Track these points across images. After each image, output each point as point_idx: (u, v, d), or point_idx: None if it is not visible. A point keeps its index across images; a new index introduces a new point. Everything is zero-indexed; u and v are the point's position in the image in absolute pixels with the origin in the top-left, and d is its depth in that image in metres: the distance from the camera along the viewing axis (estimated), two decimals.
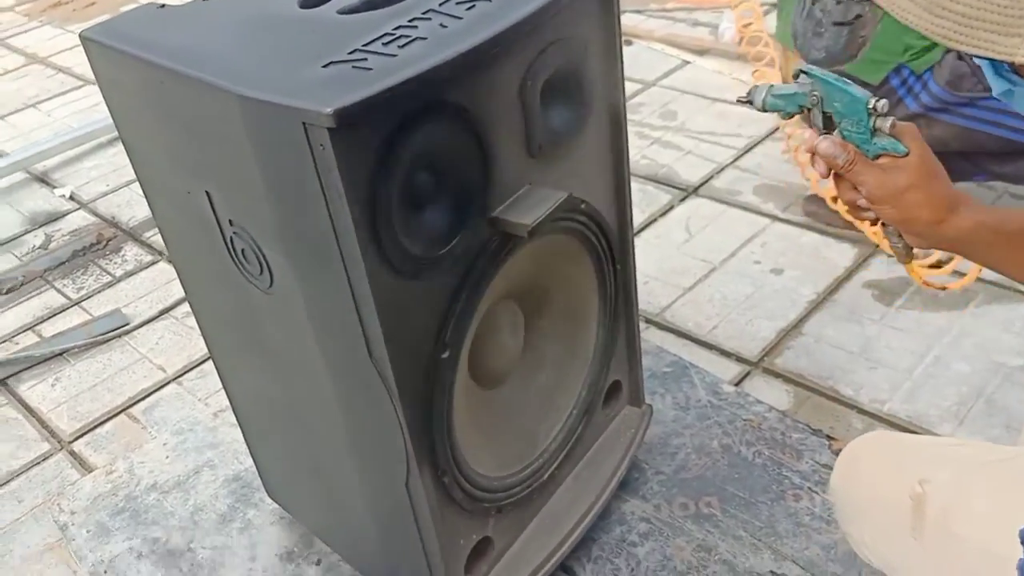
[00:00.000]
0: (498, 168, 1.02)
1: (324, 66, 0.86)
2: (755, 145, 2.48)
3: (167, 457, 1.71)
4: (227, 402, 1.39)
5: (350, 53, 0.88)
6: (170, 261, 1.26)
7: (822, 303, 1.88)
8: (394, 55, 0.87)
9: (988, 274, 1.88)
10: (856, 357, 1.73)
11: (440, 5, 0.97)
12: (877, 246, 1.99)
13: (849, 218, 0.91)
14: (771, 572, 1.33)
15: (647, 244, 2.15)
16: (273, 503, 1.52)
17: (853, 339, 1.77)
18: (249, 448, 1.44)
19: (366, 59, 0.87)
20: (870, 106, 0.89)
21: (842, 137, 0.92)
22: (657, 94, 2.84)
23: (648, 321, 1.91)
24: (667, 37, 3.16)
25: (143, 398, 1.90)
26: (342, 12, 1.00)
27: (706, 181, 2.36)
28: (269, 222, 0.94)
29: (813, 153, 0.94)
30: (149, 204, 1.18)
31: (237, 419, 1.41)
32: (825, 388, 1.68)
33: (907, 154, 0.89)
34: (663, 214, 2.26)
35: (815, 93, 0.93)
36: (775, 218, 2.18)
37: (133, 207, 2.61)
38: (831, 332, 1.80)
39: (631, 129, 2.67)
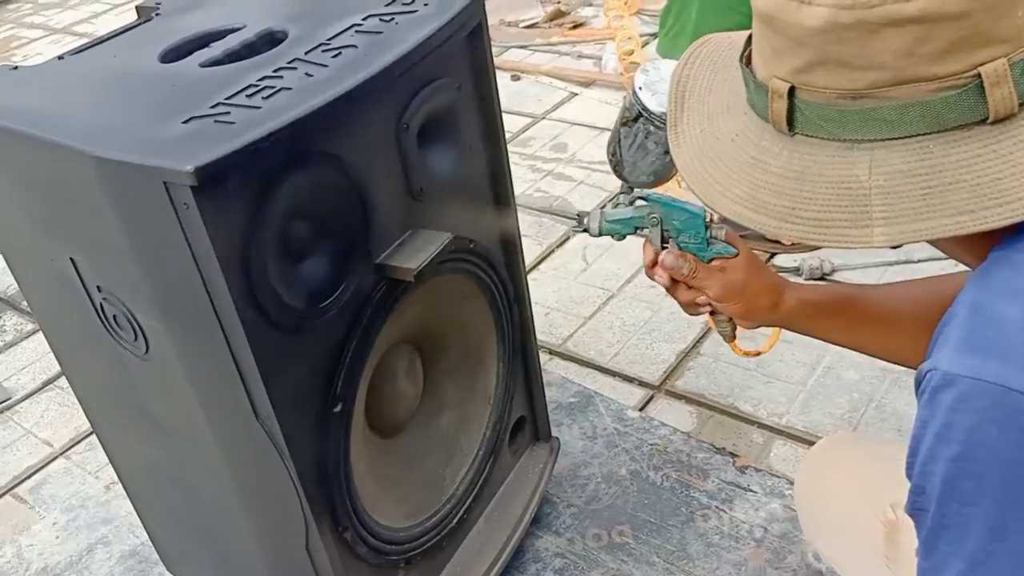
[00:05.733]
0: (379, 214, 1.01)
1: (185, 122, 0.84)
2: None
3: (57, 537, 1.61)
4: None
5: (212, 107, 0.86)
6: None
7: None
8: (258, 107, 0.85)
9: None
10: (753, 373, 1.77)
11: (306, 54, 0.96)
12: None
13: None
14: None
15: (545, 276, 2.16)
16: None
17: None
18: (142, 521, 1.37)
19: (229, 112, 0.84)
20: (707, 219, 0.99)
21: (679, 248, 1.01)
22: (547, 127, 2.88)
23: (551, 352, 1.91)
24: (554, 71, 3.21)
25: (29, 476, 1.79)
26: (204, 65, 0.97)
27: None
28: (139, 286, 0.90)
29: (652, 265, 1.03)
30: (14, 274, 1.12)
31: (127, 491, 1.34)
32: (726, 406, 1.71)
33: (737, 254, 1.00)
34: (559, 245, 2.28)
35: (654, 215, 1.02)
36: None
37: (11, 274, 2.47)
38: (727, 351, 1.83)
39: (523, 163, 2.72)
